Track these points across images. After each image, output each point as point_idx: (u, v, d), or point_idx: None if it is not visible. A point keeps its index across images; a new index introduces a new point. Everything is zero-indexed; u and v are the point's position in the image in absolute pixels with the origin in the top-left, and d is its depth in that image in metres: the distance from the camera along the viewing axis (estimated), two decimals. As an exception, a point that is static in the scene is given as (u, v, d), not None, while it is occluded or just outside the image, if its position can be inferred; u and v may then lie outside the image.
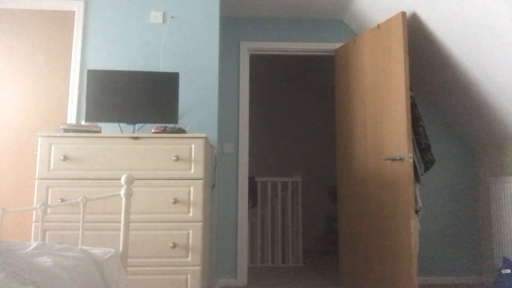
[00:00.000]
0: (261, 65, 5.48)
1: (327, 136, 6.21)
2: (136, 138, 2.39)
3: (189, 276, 2.27)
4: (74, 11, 3.09)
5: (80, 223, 1.84)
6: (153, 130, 2.49)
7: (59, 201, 2.30)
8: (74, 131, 2.46)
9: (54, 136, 2.38)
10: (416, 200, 2.80)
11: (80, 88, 2.99)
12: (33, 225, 2.30)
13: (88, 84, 2.66)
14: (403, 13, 2.80)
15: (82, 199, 1.87)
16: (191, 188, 2.35)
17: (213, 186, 2.97)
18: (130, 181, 1.77)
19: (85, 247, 1.53)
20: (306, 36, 3.72)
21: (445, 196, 3.51)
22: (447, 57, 2.94)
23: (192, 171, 2.37)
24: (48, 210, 2.30)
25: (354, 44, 3.29)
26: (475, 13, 2.42)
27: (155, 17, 3.10)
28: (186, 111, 2.99)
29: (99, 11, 3.10)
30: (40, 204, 1.86)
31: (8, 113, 2.95)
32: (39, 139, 2.37)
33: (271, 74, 6.13)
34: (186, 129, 2.76)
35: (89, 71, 2.69)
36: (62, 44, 3.06)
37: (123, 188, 1.77)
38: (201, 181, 2.36)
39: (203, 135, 2.40)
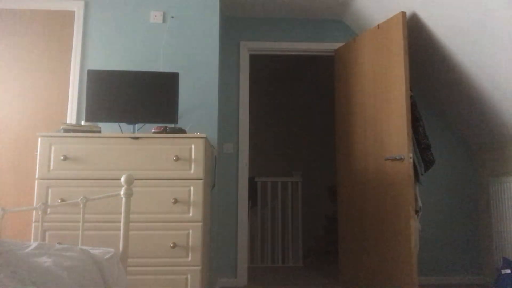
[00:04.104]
0: (261, 65, 5.48)
1: (327, 136, 6.21)
2: (136, 138, 2.39)
3: (189, 276, 2.27)
4: (74, 11, 3.09)
5: (80, 223, 1.84)
6: (153, 130, 2.49)
7: (59, 201, 2.30)
8: (74, 131, 2.46)
9: (54, 136, 2.38)
10: (416, 200, 2.80)
11: (80, 88, 2.99)
12: (33, 225, 2.30)
13: (88, 84, 2.66)
14: (403, 13, 2.80)
15: (82, 199, 1.87)
16: (191, 188, 2.35)
17: (213, 186, 2.97)
18: (130, 181, 1.77)
19: (85, 247, 1.52)
20: (306, 36, 3.72)
21: (445, 196, 3.51)
22: (447, 57, 2.94)
23: (192, 171, 2.37)
24: (48, 210, 2.30)
25: (354, 44, 3.29)
26: (475, 13, 2.42)
27: (155, 17, 3.10)
28: (186, 111, 2.99)
29: (99, 11, 3.10)
30: (40, 204, 1.85)
31: (8, 113, 2.94)
32: (39, 139, 2.37)
33: (271, 74, 6.13)
34: (186, 129, 2.76)
35: (89, 71, 2.69)
36: (62, 44, 3.06)
37: (123, 188, 1.76)
38: (201, 181, 2.36)
39: (203, 135, 2.40)
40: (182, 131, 2.52)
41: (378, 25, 3.02)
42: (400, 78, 2.77)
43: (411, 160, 2.67)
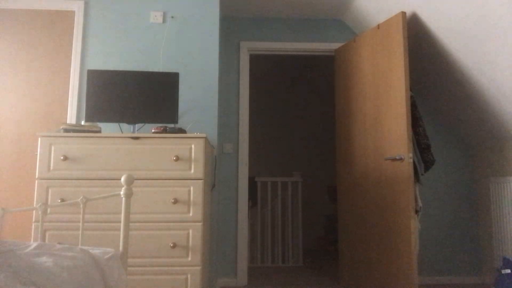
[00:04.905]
0: (261, 65, 5.48)
1: (327, 136, 6.21)
2: (136, 138, 2.39)
3: (189, 276, 2.27)
4: (74, 11, 3.10)
5: (80, 223, 1.84)
6: (153, 130, 2.49)
7: (59, 201, 2.30)
8: (74, 131, 2.46)
9: (54, 136, 2.38)
10: (416, 200, 2.80)
11: (80, 88, 2.99)
12: (33, 225, 2.30)
13: (88, 84, 2.66)
14: (403, 13, 2.80)
15: (82, 199, 1.87)
16: (191, 188, 2.35)
17: (213, 186, 2.97)
18: (130, 181, 1.77)
19: (85, 247, 1.52)
20: (306, 36, 3.72)
21: (445, 196, 3.51)
22: (447, 57, 2.94)
23: (192, 171, 2.37)
24: (48, 210, 2.30)
25: (354, 44, 3.29)
26: (475, 13, 2.42)
27: (155, 17, 3.10)
28: (186, 111, 2.99)
29: (99, 11, 3.10)
30: (40, 204, 1.85)
31: (8, 113, 2.95)
32: (39, 139, 2.37)
33: (271, 74, 6.13)
34: (186, 129, 2.76)
35: (89, 71, 2.69)
36: (62, 44, 3.06)
37: (123, 188, 1.76)
38: (201, 181, 2.36)
39: (203, 135, 2.40)
40: (182, 131, 2.52)
41: (378, 25, 3.02)
42: (400, 78, 2.77)
43: (411, 160, 2.67)
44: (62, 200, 2.30)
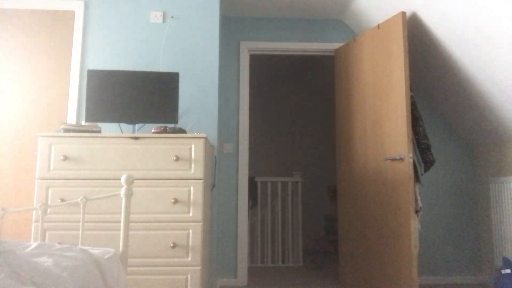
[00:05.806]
0: (261, 65, 5.48)
1: (327, 136, 6.21)
2: (136, 138, 2.39)
3: (189, 276, 2.27)
4: (74, 11, 3.09)
5: (80, 223, 1.84)
6: (153, 130, 2.49)
7: (59, 201, 2.30)
8: (74, 131, 2.46)
9: (54, 136, 2.38)
10: (416, 200, 2.80)
11: (80, 88, 2.99)
12: (33, 225, 2.30)
13: (88, 84, 2.66)
14: (403, 13, 2.80)
15: (82, 199, 1.87)
16: (191, 188, 2.35)
17: (213, 186, 2.97)
18: (130, 181, 1.77)
19: (85, 247, 1.52)
20: (306, 36, 3.72)
21: (445, 196, 3.51)
22: (447, 57, 2.94)
23: (192, 171, 2.37)
24: (48, 210, 2.30)
25: (354, 44, 3.29)
26: (475, 13, 2.42)
27: (155, 17, 3.10)
28: (186, 111, 2.99)
29: (99, 11, 3.10)
30: (40, 204, 1.85)
31: (9, 113, 2.95)
32: (39, 139, 2.37)
33: (271, 74, 6.13)
34: (186, 129, 2.76)
35: (89, 71, 2.69)
36: (62, 44, 3.06)
37: (123, 188, 1.76)
38: (201, 181, 2.36)
39: (203, 135, 2.40)
40: (182, 131, 2.52)
41: (378, 25, 3.02)
42: (400, 78, 2.77)
43: (411, 160, 2.67)
44: (62, 200, 2.30)
